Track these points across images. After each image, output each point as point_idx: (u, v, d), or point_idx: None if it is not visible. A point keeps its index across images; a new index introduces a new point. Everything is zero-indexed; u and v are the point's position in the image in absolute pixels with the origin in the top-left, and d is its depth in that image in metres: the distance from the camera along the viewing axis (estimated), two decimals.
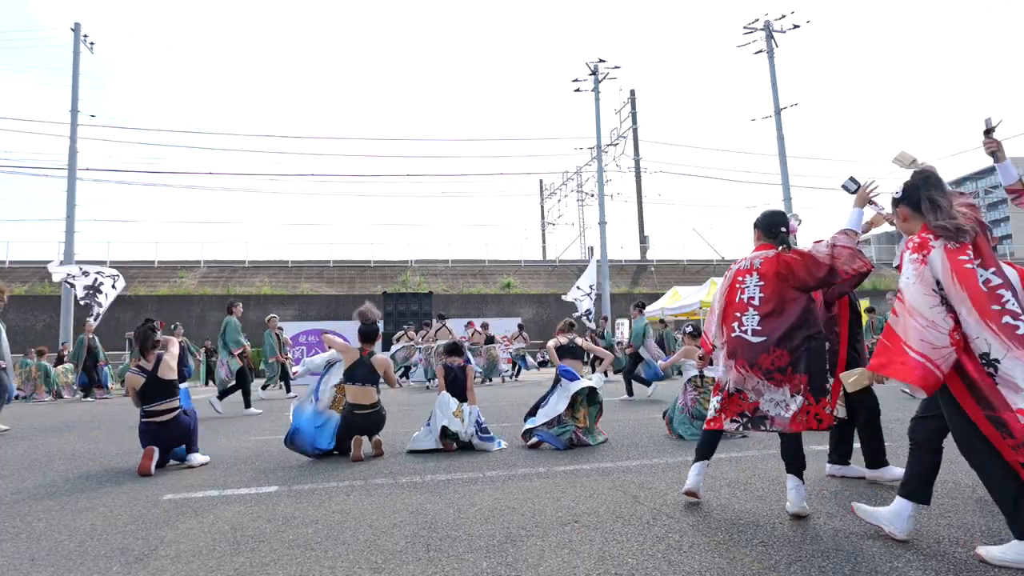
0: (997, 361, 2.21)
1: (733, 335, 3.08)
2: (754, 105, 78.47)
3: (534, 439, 5.15)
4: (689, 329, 6.74)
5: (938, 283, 2.33)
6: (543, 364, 19.13)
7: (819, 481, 3.63)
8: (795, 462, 2.99)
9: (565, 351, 5.73)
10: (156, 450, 4.53)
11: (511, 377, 15.63)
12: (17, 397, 12.45)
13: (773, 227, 3.22)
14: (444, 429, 4.97)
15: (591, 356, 10.78)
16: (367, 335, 5.29)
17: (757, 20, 22.44)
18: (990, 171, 69.94)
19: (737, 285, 3.15)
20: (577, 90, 24.72)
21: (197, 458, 4.74)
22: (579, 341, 5.87)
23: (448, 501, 3.45)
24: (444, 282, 29.45)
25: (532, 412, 5.45)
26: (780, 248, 3.10)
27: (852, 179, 3.14)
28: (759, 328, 3.01)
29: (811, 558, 2.37)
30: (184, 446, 4.76)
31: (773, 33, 22.28)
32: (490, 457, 4.79)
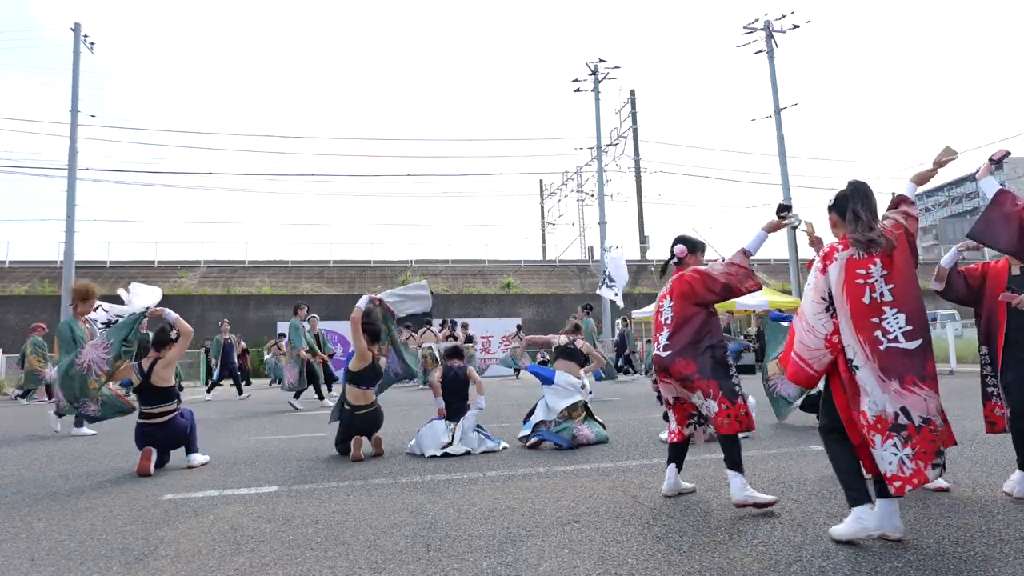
0: (857, 368, 2.52)
1: (655, 352, 3.41)
2: (754, 105, 78.47)
3: (534, 439, 5.15)
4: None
5: (829, 292, 2.61)
6: (544, 363, 19.16)
7: (819, 481, 3.63)
8: (729, 459, 3.13)
9: (561, 352, 5.74)
10: (154, 450, 4.53)
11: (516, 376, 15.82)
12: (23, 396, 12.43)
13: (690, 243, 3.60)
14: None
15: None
16: (372, 335, 5.29)
17: (757, 20, 22.43)
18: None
19: (659, 308, 3.47)
20: (577, 90, 24.72)
21: (197, 458, 4.73)
22: (579, 343, 5.87)
23: (448, 501, 3.45)
24: (444, 282, 29.44)
25: (529, 416, 5.47)
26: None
27: (785, 206, 3.33)
28: (668, 343, 3.30)
29: (811, 559, 2.37)
30: (185, 446, 4.76)
31: (773, 33, 22.28)
32: (490, 457, 4.79)
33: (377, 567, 2.44)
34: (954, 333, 15.85)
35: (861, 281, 2.53)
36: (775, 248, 35.13)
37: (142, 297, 5.11)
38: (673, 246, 3.60)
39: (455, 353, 5.69)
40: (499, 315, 25.55)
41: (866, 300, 2.51)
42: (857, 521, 2.51)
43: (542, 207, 39.11)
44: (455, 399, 5.31)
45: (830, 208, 2.79)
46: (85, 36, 20.55)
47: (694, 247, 3.60)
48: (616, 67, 24.17)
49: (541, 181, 39.55)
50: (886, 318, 2.49)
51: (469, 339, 14.81)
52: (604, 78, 24.15)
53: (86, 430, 6.77)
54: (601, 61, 24.02)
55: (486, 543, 2.69)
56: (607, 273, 10.88)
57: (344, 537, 2.84)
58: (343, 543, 2.75)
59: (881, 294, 2.51)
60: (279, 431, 6.79)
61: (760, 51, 22.47)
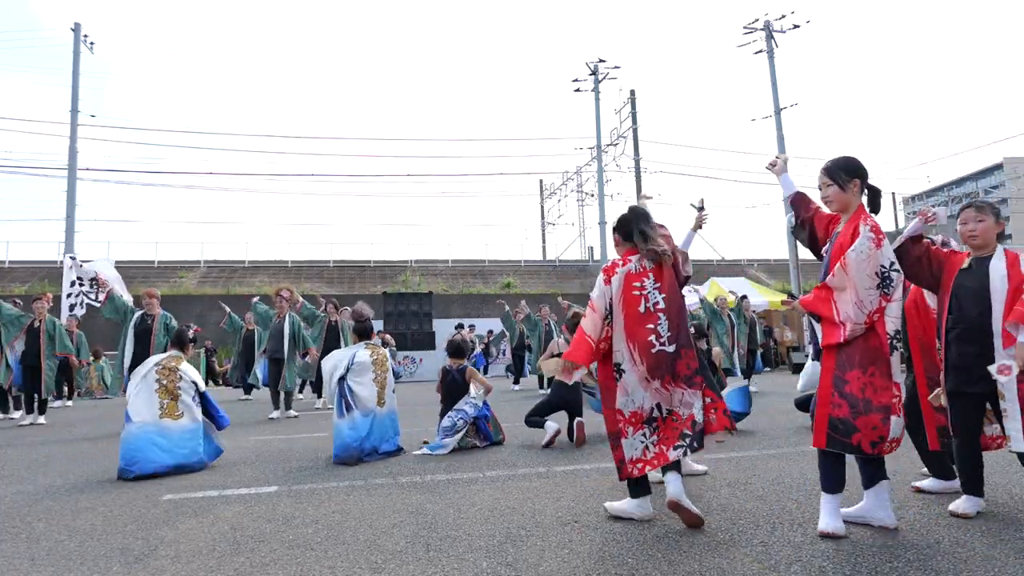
0: (623, 372, 2.87)
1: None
2: (754, 105, 78.42)
3: (548, 436, 5.14)
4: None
5: (610, 302, 2.91)
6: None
7: (816, 482, 3.62)
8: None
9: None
10: None
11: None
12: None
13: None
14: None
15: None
16: (361, 333, 5.29)
17: (757, 20, 22.43)
18: (990, 171, 70.03)
19: (640, 295, 2.93)
20: (577, 90, 24.74)
21: None
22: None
23: (448, 501, 3.45)
24: (444, 282, 29.44)
25: (537, 412, 5.45)
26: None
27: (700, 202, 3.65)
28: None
29: (811, 559, 2.37)
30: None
31: (773, 33, 22.27)
32: (490, 457, 4.79)
33: (377, 567, 2.44)
34: None
35: (637, 292, 2.90)
36: (775, 248, 35.11)
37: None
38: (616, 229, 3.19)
39: (456, 352, 5.61)
40: (499, 315, 25.55)
41: (641, 309, 2.88)
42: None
43: (542, 207, 39.07)
44: (454, 403, 5.29)
45: (614, 229, 3.15)
46: (85, 36, 20.56)
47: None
48: (616, 67, 24.21)
49: (541, 181, 39.52)
50: (660, 323, 2.87)
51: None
52: (604, 78, 24.16)
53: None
54: (601, 61, 24.04)
55: (486, 543, 2.69)
56: None
57: (344, 537, 2.84)
58: (343, 543, 2.75)
59: (655, 303, 2.89)
60: (279, 431, 6.80)
61: (760, 51, 22.48)
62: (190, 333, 5.08)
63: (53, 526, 3.16)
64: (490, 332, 19.98)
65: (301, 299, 9.24)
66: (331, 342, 9.11)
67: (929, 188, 65.58)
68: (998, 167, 67.54)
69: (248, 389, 11.68)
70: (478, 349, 17.44)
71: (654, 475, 3.01)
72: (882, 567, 2.26)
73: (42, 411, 8.49)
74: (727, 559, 2.40)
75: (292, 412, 8.41)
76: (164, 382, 4.59)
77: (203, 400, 4.74)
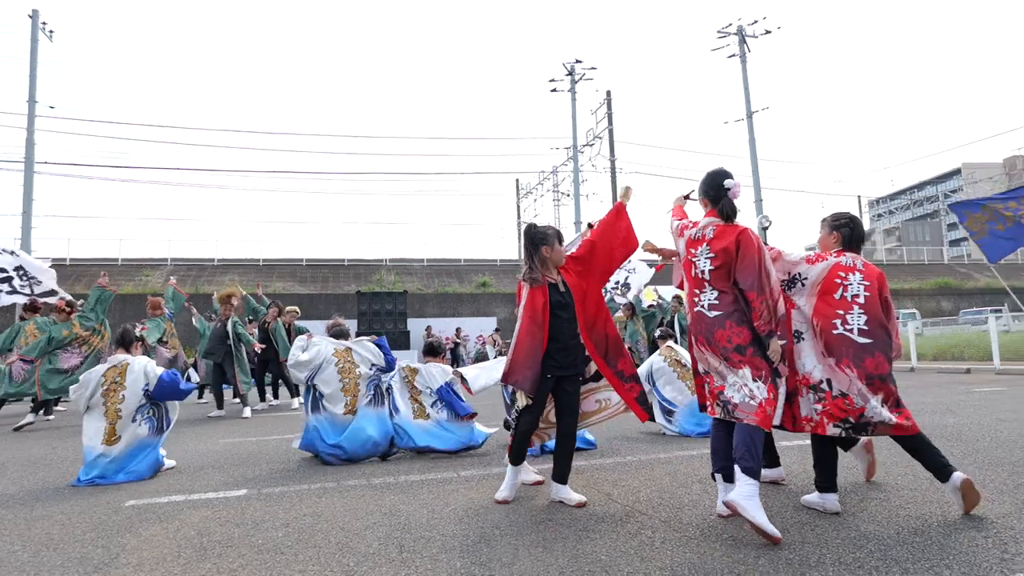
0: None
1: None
2: (728, 108, 79.75)
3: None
4: (659, 332, 6.79)
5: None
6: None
7: (792, 477, 3.69)
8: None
9: None
10: None
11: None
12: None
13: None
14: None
15: None
16: (337, 336, 5.26)
17: (730, 25, 22.79)
18: (949, 176, 72.35)
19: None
20: (554, 90, 24.82)
21: (165, 462, 4.61)
22: None
23: (422, 502, 3.42)
24: (419, 281, 29.27)
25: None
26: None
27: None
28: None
29: (777, 550, 2.41)
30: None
31: (746, 38, 22.65)
32: (464, 457, 4.77)
33: (349, 570, 2.41)
34: (915, 331, 16.28)
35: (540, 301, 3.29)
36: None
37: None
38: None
39: (432, 351, 5.57)
40: (475, 314, 25.51)
41: (531, 315, 3.27)
42: None
43: (518, 206, 39.07)
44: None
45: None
46: (44, 24, 19.91)
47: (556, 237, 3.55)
48: (592, 68, 24.35)
49: (517, 180, 39.49)
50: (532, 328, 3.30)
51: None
52: (580, 79, 24.29)
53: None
54: (578, 62, 24.16)
55: (460, 543, 2.67)
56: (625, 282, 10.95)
57: (315, 540, 2.79)
58: (314, 546, 2.71)
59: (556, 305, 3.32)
60: (248, 433, 6.67)
61: (733, 55, 22.84)
62: (136, 331, 4.87)
63: (5, 536, 3.04)
64: (458, 330, 19.94)
65: (244, 293, 9.76)
66: (263, 343, 9.26)
67: (892, 192, 67.51)
68: (957, 172, 69.85)
69: (202, 391, 11.33)
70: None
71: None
72: (845, 557, 2.32)
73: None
74: (698, 554, 2.43)
75: (247, 412, 8.34)
76: (107, 403, 4.33)
77: (160, 386, 4.47)
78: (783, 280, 3.11)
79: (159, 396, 4.48)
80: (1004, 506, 2.88)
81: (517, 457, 3.40)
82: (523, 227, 4.22)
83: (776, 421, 2.98)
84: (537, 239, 3.41)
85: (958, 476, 2.76)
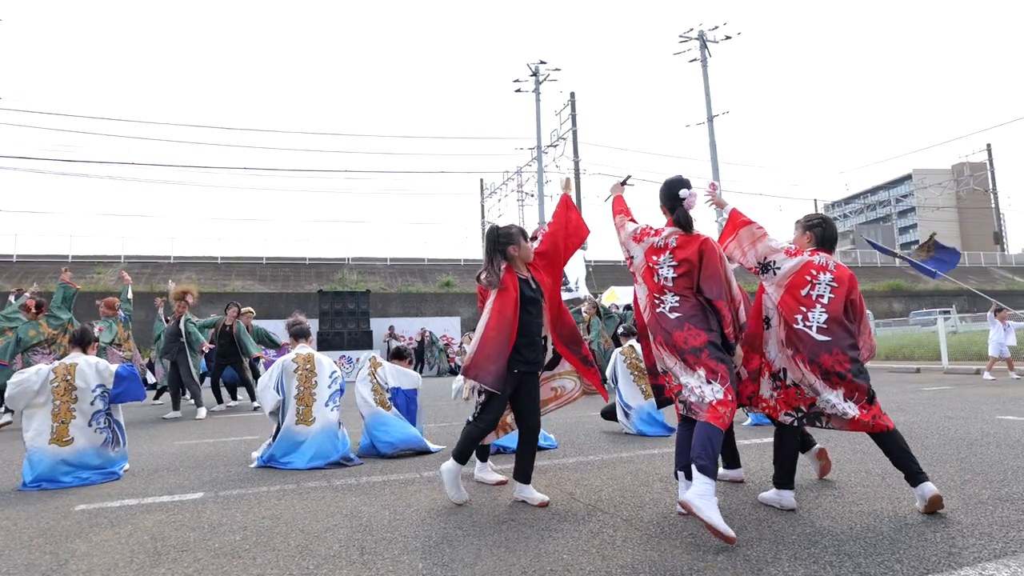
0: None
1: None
2: (689, 111, 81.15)
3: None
4: (622, 330, 6.89)
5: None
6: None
7: (760, 472, 3.78)
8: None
9: None
10: None
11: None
12: None
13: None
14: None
15: None
16: (297, 335, 5.13)
17: (692, 30, 23.23)
18: (900, 181, 75.12)
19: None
20: (518, 91, 24.89)
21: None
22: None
23: (384, 503, 3.39)
24: (382, 280, 28.97)
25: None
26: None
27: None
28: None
29: (736, 548, 2.47)
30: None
31: (707, 43, 23.12)
32: (427, 458, 4.74)
33: (309, 573, 2.37)
34: (946, 330, 14.69)
35: (490, 303, 3.33)
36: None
37: None
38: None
39: (398, 355, 5.54)
40: (438, 314, 25.38)
41: (491, 320, 3.29)
42: None
43: (482, 206, 39.07)
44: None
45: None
46: None
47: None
48: (557, 69, 24.50)
49: (482, 180, 39.52)
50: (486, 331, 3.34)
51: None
52: (545, 79, 24.42)
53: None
54: (542, 63, 24.28)
55: (422, 544, 2.66)
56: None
57: (274, 543, 2.74)
58: (273, 549, 2.66)
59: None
60: (205, 434, 6.50)
61: (695, 60, 23.27)
62: (95, 331, 4.70)
63: None
64: (423, 330, 19.80)
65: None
66: (226, 346, 9.09)
67: (847, 195, 69.75)
68: (908, 178, 72.60)
69: (160, 393, 10.88)
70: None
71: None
72: (801, 553, 2.39)
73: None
74: (659, 552, 2.47)
75: (201, 413, 8.20)
76: (58, 403, 4.15)
77: (118, 382, 4.33)
78: (757, 264, 3.20)
79: (118, 394, 4.33)
80: (952, 502, 3.00)
81: (461, 457, 3.28)
82: (487, 228, 4.12)
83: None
84: (503, 240, 3.41)
85: (929, 490, 2.79)
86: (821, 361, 2.94)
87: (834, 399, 2.92)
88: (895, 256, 8.55)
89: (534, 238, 3.72)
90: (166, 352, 8.58)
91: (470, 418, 3.36)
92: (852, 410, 2.90)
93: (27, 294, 8.55)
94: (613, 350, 10.61)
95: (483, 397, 3.28)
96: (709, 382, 2.80)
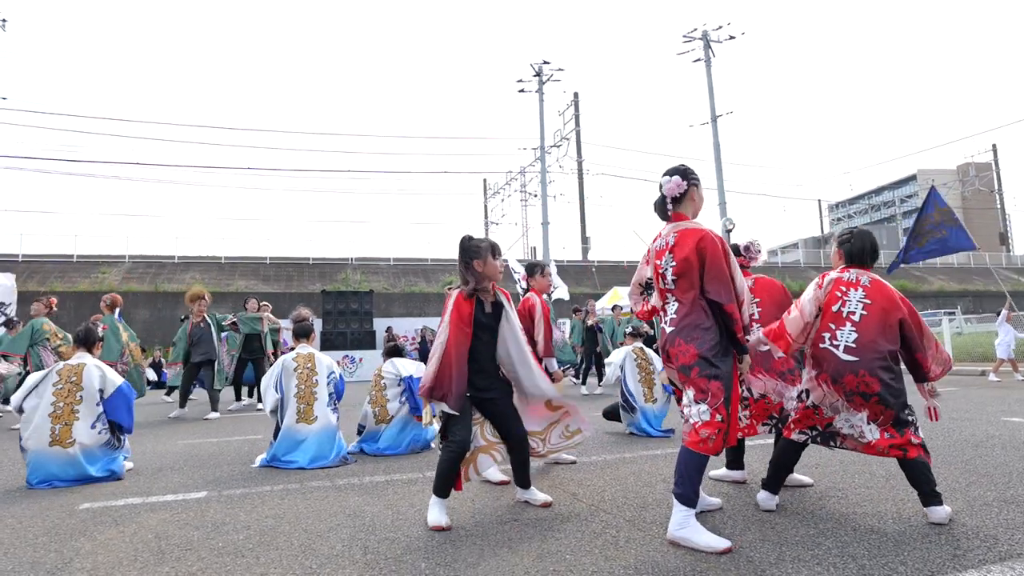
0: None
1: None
2: (693, 111, 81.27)
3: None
4: (630, 329, 6.88)
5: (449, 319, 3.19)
6: None
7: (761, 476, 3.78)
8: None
9: None
10: None
11: None
12: None
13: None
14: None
15: None
16: (299, 333, 5.14)
17: (695, 30, 23.17)
18: (905, 182, 74.90)
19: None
20: (521, 91, 24.85)
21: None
22: None
23: (387, 503, 3.40)
24: (385, 280, 29.02)
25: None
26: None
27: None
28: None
29: (740, 549, 2.47)
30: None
31: (710, 43, 23.05)
32: (430, 457, 4.75)
33: (312, 572, 2.37)
34: (951, 331, 14.30)
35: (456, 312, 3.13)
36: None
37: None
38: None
39: (394, 353, 5.54)
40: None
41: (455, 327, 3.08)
42: None
43: (485, 206, 39.05)
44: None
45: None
46: None
47: (532, 271, 4.11)
48: (560, 69, 24.44)
49: (485, 180, 39.50)
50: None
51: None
52: (548, 79, 24.38)
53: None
54: (545, 63, 24.23)
55: (425, 544, 2.66)
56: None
57: (277, 542, 2.75)
58: (276, 548, 2.66)
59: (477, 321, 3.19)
60: (209, 434, 6.52)
61: (699, 60, 23.22)
62: (99, 331, 4.71)
63: None
64: (423, 328, 19.81)
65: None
66: (251, 342, 9.26)
67: (851, 196, 69.60)
68: (913, 178, 72.38)
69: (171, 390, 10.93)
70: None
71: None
72: (804, 554, 2.38)
73: None
74: (661, 552, 2.47)
75: (213, 415, 8.15)
76: (61, 404, 4.15)
77: (115, 396, 4.32)
78: (818, 311, 3.01)
79: (110, 407, 4.30)
80: (956, 504, 2.99)
81: (443, 489, 2.98)
82: (481, 233, 4.14)
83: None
84: (470, 252, 3.18)
85: (943, 513, 2.70)
86: (845, 381, 2.83)
87: (856, 420, 2.84)
88: (908, 262, 8.68)
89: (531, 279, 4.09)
90: (205, 354, 8.33)
91: (439, 444, 3.12)
92: (872, 434, 2.81)
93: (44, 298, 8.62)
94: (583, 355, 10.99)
95: (443, 418, 3.06)
96: (697, 402, 2.61)
